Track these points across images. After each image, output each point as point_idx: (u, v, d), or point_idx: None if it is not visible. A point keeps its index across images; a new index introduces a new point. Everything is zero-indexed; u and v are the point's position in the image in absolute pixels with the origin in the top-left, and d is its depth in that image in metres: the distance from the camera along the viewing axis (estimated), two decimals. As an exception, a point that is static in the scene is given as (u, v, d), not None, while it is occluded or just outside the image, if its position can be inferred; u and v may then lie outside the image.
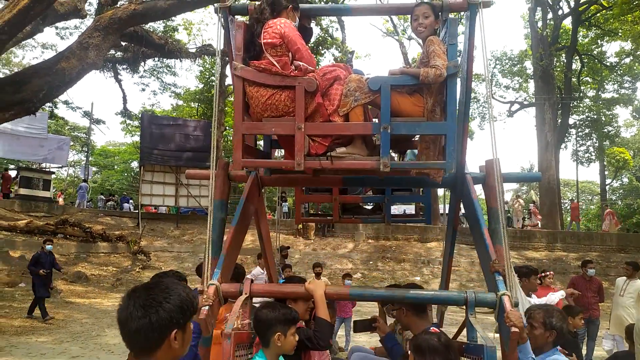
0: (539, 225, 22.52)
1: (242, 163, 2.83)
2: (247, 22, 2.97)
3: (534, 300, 5.02)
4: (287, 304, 2.83)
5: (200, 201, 21.11)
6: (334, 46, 24.78)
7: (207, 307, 2.45)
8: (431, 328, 2.57)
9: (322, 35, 24.13)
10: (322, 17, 28.08)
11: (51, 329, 8.95)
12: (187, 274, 17.99)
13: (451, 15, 2.96)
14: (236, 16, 3.08)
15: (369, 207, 4.91)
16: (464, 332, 3.38)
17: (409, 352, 2.29)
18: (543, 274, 7.29)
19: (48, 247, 10.25)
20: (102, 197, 29.55)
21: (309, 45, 3.33)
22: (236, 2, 3.08)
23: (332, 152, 2.84)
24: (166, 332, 1.46)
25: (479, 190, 3.40)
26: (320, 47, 23.42)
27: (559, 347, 2.94)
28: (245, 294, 2.74)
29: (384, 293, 3.07)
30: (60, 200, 27.09)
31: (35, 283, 9.73)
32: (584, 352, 7.40)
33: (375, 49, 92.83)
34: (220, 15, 2.99)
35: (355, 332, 3.62)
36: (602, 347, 7.36)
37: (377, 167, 2.74)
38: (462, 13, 3.27)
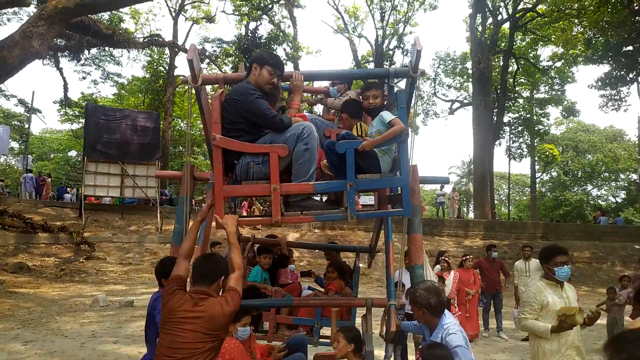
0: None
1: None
2: None
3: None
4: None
5: (147, 192, 20.96)
6: (286, 42, 25.11)
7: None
8: None
9: (275, 31, 24.38)
10: (274, 13, 28.43)
11: (-2, 317, 8.96)
12: (131, 262, 17.93)
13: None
14: None
15: (318, 199, 3.69)
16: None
17: None
18: (464, 258, 8.41)
19: None
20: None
21: None
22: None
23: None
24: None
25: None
26: (271, 43, 23.64)
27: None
28: None
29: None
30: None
31: None
32: (493, 324, 8.68)
33: (326, 45, 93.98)
34: None
35: None
36: (512, 321, 8.46)
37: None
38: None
